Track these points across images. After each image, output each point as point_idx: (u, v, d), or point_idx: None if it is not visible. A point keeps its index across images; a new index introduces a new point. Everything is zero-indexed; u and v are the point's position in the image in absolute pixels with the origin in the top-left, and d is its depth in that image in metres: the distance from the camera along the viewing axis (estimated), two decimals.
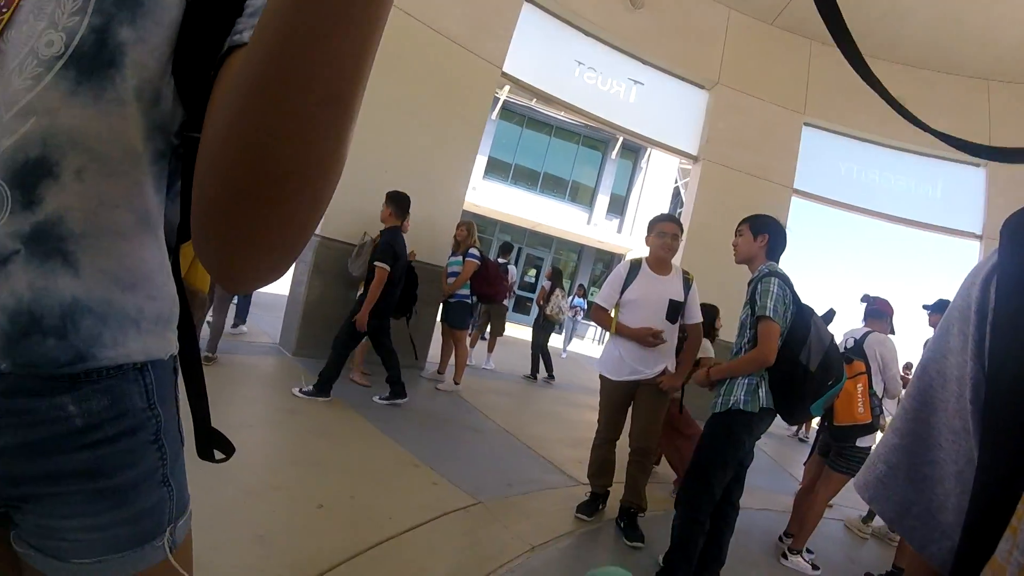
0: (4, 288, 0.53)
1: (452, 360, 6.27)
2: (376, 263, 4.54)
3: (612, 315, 3.54)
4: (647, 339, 3.36)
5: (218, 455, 0.75)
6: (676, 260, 3.98)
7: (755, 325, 2.71)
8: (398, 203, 4.75)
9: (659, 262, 3.49)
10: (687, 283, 3.49)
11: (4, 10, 0.54)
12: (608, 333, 3.61)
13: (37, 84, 0.53)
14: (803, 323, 2.71)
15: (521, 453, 4.48)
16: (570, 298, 13.24)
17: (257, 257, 0.43)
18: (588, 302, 13.37)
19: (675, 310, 3.43)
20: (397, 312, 5.05)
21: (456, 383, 6.03)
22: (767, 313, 2.64)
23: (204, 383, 0.73)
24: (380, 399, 4.79)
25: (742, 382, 2.74)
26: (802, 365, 2.65)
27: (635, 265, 3.53)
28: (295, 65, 0.34)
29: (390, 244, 4.60)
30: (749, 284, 2.84)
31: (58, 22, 0.54)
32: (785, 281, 2.74)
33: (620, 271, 3.56)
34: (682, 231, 3.60)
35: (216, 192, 0.40)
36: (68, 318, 0.56)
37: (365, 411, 4.44)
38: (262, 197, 0.39)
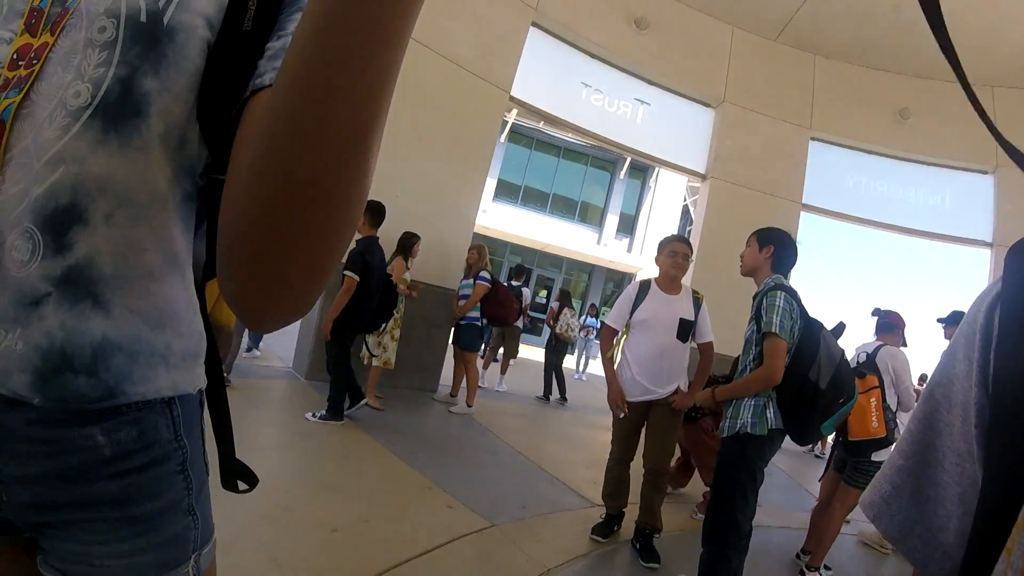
0: (37, 328, 0.55)
1: (464, 382, 6.28)
2: (345, 272, 4.44)
3: (615, 342, 3.56)
4: (616, 405, 3.42)
5: (241, 486, 0.76)
6: (687, 279, 3.99)
7: (761, 342, 2.61)
8: (373, 212, 4.70)
9: (669, 281, 3.49)
10: (697, 302, 3.49)
11: (34, 62, 0.56)
12: (619, 353, 3.61)
13: (66, 134, 0.55)
14: (812, 339, 2.59)
15: (535, 475, 4.46)
16: (582, 317, 13.21)
17: (280, 296, 0.43)
18: (600, 322, 13.33)
19: (685, 329, 3.43)
20: (367, 327, 4.89)
21: (469, 405, 6.02)
22: (773, 329, 2.54)
23: (229, 416, 0.75)
24: (313, 415, 4.47)
25: (748, 404, 2.62)
26: (812, 383, 2.53)
27: (644, 285, 3.54)
28: (317, 105, 0.35)
29: (360, 253, 4.51)
30: (754, 298, 2.75)
31: (84, 73, 0.56)
32: (792, 295, 2.65)
33: (630, 292, 3.57)
34: (692, 251, 3.62)
35: (241, 232, 0.41)
36: (99, 356, 0.58)
37: (378, 434, 4.44)
38: (286, 236, 0.39)
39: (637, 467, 3.47)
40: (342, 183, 0.38)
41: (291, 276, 0.41)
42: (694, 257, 3.69)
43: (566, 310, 8.95)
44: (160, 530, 0.65)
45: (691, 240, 4.11)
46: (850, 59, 8.09)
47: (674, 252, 3.45)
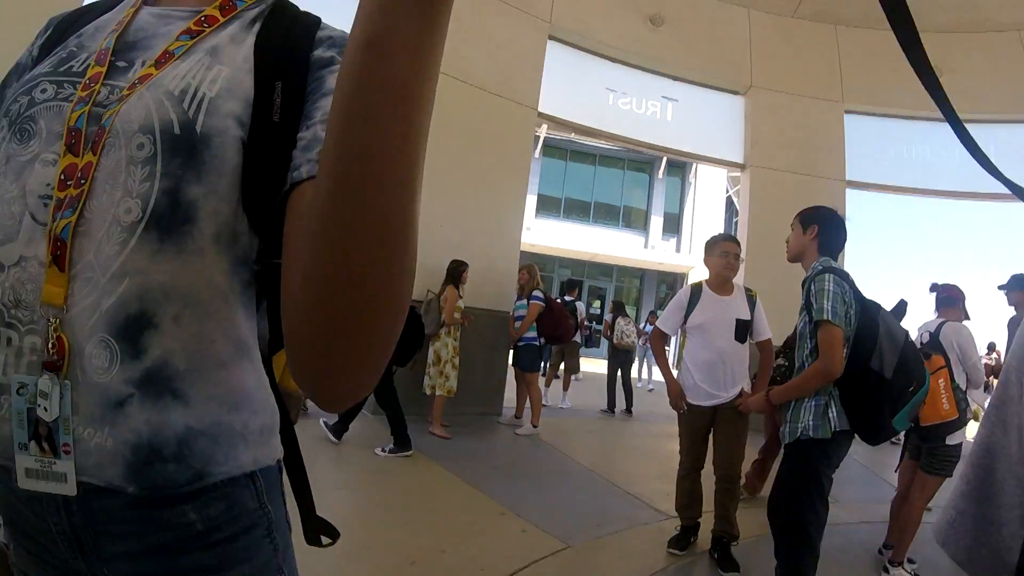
0: (124, 426, 0.60)
1: (528, 403, 6.29)
2: None
3: (666, 346, 3.55)
4: (676, 404, 3.39)
5: (324, 540, 0.80)
6: (739, 274, 3.91)
7: (815, 333, 2.37)
8: None
9: (722, 283, 3.43)
10: (751, 300, 3.43)
11: (82, 182, 0.60)
12: (680, 359, 3.57)
13: (125, 248, 0.59)
14: (870, 323, 2.33)
15: (607, 491, 4.42)
16: (642, 324, 13.06)
17: (350, 383, 0.44)
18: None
19: (743, 330, 3.36)
20: (397, 360, 4.79)
21: (534, 426, 6.03)
22: (825, 316, 2.30)
23: (307, 477, 0.79)
24: (382, 450, 4.59)
25: (808, 405, 2.38)
26: (875, 373, 2.25)
27: (696, 289, 3.48)
28: (355, 195, 0.37)
29: None
30: (803, 285, 2.51)
31: (132, 190, 0.60)
32: (843, 276, 2.40)
33: (681, 297, 3.52)
34: (741, 250, 3.56)
35: (308, 331, 0.43)
36: (184, 444, 0.62)
37: (448, 463, 4.49)
38: (349, 326, 0.40)
39: (708, 474, 3.41)
40: (390, 260, 0.39)
41: (355, 363, 0.43)
42: (743, 252, 3.61)
43: (620, 319, 8.89)
44: None
45: (739, 232, 4.06)
46: (872, 23, 7.76)
47: (726, 252, 3.39)
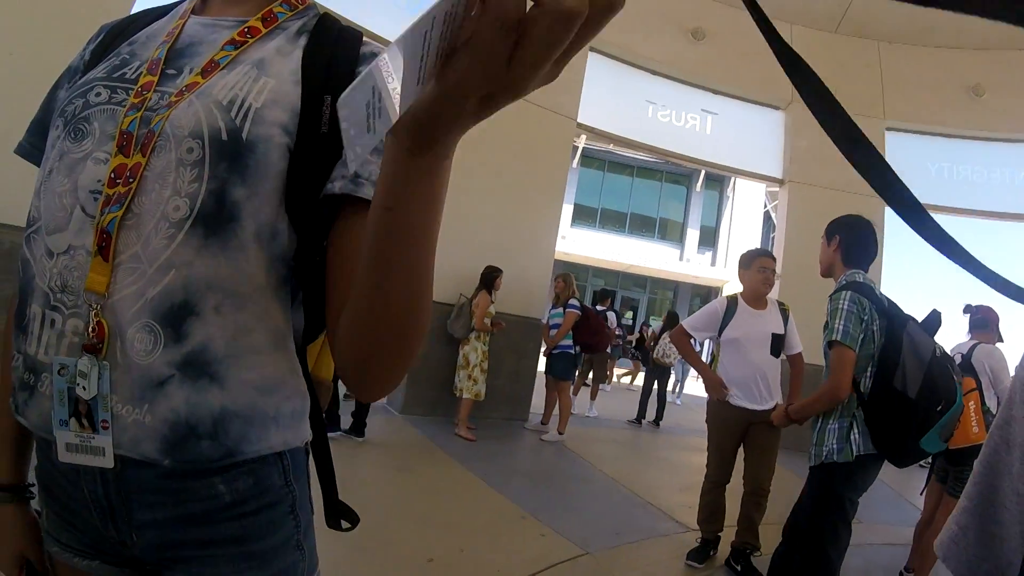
0: (164, 405, 0.65)
1: (556, 410, 6.30)
2: None
3: (697, 351, 3.54)
4: (719, 390, 3.36)
5: (344, 524, 0.85)
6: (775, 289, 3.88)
7: (827, 352, 2.34)
8: None
9: (757, 297, 3.41)
10: (785, 314, 3.42)
11: (131, 180, 0.65)
12: (713, 363, 3.55)
13: (172, 243, 0.64)
14: (894, 339, 2.23)
15: (629, 501, 4.41)
16: None
17: (386, 384, 0.62)
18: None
19: (778, 344, 3.35)
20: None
21: (560, 433, 6.04)
22: (835, 336, 2.26)
23: (331, 462, 0.84)
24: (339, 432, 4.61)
25: (832, 427, 2.33)
26: (898, 393, 2.16)
27: (732, 302, 3.47)
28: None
29: None
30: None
31: (181, 190, 0.65)
32: (862, 291, 2.32)
33: (717, 308, 3.51)
34: (775, 261, 3.54)
35: (362, 354, 0.59)
36: (219, 424, 0.67)
37: (472, 465, 4.54)
38: (394, 350, 0.57)
39: (731, 490, 3.38)
40: (421, 299, 0.55)
41: (390, 372, 0.60)
42: (779, 267, 3.59)
43: (666, 334, 8.55)
44: (273, 563, 0.75)
45: (776, 248, 4.02)
46: (914, 40, 7.63)
47: (763, 268, 3.38)
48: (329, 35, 0.78)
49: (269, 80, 0.71)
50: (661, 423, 8.25)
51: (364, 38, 0.80)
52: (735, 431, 3.35)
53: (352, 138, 0.32)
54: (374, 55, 0.76)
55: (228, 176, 0.66)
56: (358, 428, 4.69)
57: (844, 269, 2.49)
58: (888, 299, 2.41)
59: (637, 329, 18.80)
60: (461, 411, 5.45)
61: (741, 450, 3.40)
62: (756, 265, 3.39)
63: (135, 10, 0.88)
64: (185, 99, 0.68)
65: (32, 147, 0.83)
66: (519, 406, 6.59)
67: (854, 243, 2.50)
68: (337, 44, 0.77)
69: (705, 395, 3.58)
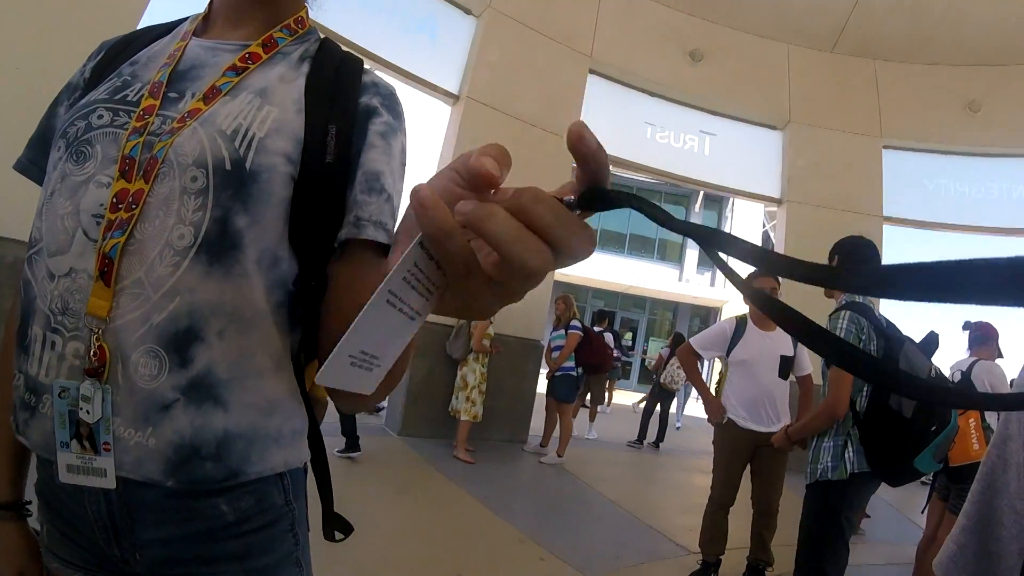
0: (168, 428, 0.65)
1: (555, 432, 6.25)
2: None
3: (701, 371, 3.49)
4: (718, 415, 3.35)
5: (338, 535, 0.86)
6: None
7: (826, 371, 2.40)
8: None
9: (762, 319, 3.40)
10: None
11: (133, 206, 0.65)
12: (720, 383, 3.54)
13: (177, 270, 0.64)
14: (890, 359, 2.24)
15: (629, 523, 4.35)
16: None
17: (376, 401, 0.66)
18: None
19: (786, 366, 3.33)
20: None
21: (560, 455, 5.98)
22: None
23: (329, 476, 0.85)
24: (338, 452, 4.58)
25: (827, 445, 2.37)
26: (894, 412, 2.18)
27: (741, 323, 3.46)
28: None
29: None
30: None
31: (185, 218, 0.65)
32: (861, 311, 2.35)
33: (726, 328, 3.49)
34: (779, 284, 3.50)
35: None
36: (222, 446, 0.67)
37: (470, 487, 4.49)
38: (385, 382, 0.61)
39: (734, 512, 3.35)
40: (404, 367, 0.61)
41: (376, 397, 0.60)
42: (781, 285, 3.55)
43: (674, 359, 8.56)
44: None
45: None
46: (910, 58, 7.71)
47: (761, 289, 3.36)
48: (331, 63, 0.78)
49: (272, 109, 0.71)
50: (661, 445, 8.19)
51: (365, 67, 0.80)
52: (743, 453, 3.31)
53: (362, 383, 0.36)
54: (375, 84, 0.78)
55: (232, 204, 0.66)
56: (353, 444, 4.64)
57: (843, 290, 2.49)
58: (887, 320, 2.44)
59: (639, 349, 18.79)
60: (459, 433, 5.40)
61: (746, 472, 3.37)
62: (755, 286, 3.37)
63: (140, 27, 0.89)
64: (188, 126, 0.68)
65: (31, 163, 0.83)
66: (518, 428, 6.55)
67: (853, 263, 2.50)
68: (340, 73, 0.78)
69: (704, 416, 3.55)
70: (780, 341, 3.36)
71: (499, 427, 6.18)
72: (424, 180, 0.36)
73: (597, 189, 0.34)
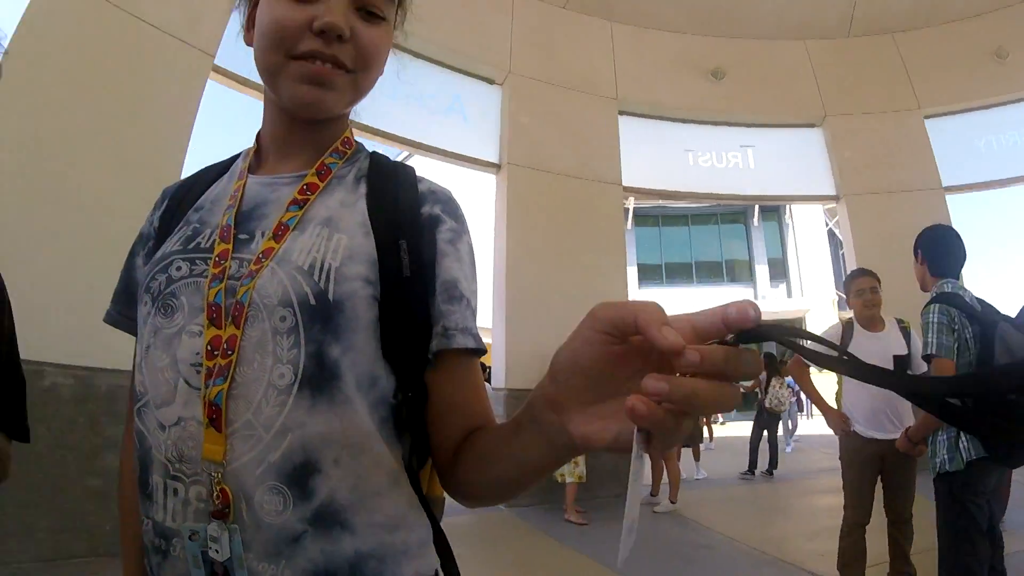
0: (301, 558, 0.66)
1: (664, 479, 6.09)
2: None
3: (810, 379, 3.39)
4: (842, 426, 3.23)
5: None
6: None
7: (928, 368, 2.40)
8: None
9: (868, 320, 3.29)
10: (906, 332, 3.24)
11: (229, 352, 0.67)
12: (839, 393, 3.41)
13: (284, 408, 0.66)
14: (986, 343, 2.24)
15: (758, 560, 4.16)
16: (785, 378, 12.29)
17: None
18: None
19: (903, 367, 3.15)
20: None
21: (673, 502, 5.81)
22: (931, 351, 2.34)
23: (458, 571, 0.87)
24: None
25: (941, 439, 2.38)
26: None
27: (848, 327, 3.34)
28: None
29: None
30: None
31: (282, 357, 0.67)
32: (950, 301, 2.37)
33: (832, 334, 3.36)
34: (879, 280, 3.36)
35: (485, 498, 0.75)
36: (355, 568, 0.68)
37: (590, 550, 4.42)
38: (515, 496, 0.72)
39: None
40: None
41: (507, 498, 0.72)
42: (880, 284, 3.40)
43: (774, 380, 8.31)
44: None
45: (847, 264, 3.88)
46: (927, 21, 7.55)
47: (861, 290, 3.28)
48: (384, 176, 0.82)
49: (342, 237, 0.73)
50: (775, 471, 7.80)
51: (417, 174, 0.86)
52: (871, 466, 3.15)
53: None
54: (433, 192, 0.84)
55: (323, 338, 0.68)
56: None
57: (934, 281, 2.55)
58: (981, 301, 2.41)
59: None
60: (567, 496, 5.36)
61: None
62: (853, 289, 3.30)
63: (184, 170, 0.97)
64: (266, 267, 0.70)
65: (120, 315, 0.88)
66: (624, 481, 6.38)
67: (936, 254, 2.58)
68: (398, 187, 0.81)
69: (820, 433, 3.41)
70: (892, 340, 3.20)
71: (605, 483, 6.05)
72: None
73: (751, 330, 0.40)
